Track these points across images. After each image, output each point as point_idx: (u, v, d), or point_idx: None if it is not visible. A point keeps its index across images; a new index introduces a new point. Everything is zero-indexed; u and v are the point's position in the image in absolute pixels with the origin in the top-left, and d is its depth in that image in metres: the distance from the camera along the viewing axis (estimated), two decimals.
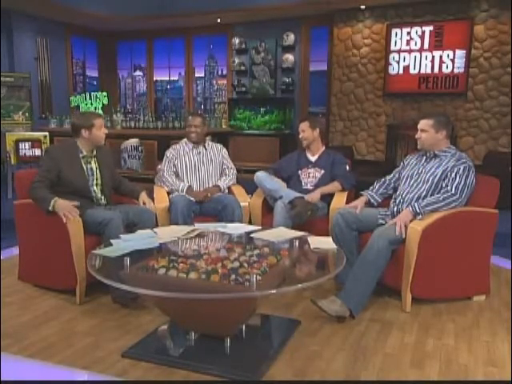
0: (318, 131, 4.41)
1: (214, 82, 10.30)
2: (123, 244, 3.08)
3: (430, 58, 7.73)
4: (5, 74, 8.33)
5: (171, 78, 10.63)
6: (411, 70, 7.89)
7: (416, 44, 7.79)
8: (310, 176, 4.43)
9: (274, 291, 2.49)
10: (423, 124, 3.51)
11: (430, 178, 3.50)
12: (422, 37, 7.72)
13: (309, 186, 4.37)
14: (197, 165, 4.52)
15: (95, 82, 10.68)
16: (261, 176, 4.26)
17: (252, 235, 3.43)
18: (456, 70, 7.57)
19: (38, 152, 7.09)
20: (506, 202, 5.99)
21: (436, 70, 7.72)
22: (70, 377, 2.59)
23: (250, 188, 4.59)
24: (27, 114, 8.41)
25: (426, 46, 7.73)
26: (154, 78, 10.69)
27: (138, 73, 10.90)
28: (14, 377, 2.58)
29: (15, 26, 8.52)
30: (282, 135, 9.37)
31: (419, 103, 7.94)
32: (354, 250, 3.53)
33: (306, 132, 4.36)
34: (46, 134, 7.41)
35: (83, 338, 2.98)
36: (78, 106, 9.19)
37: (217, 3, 8.39)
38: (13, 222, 3.80)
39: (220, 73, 10.18)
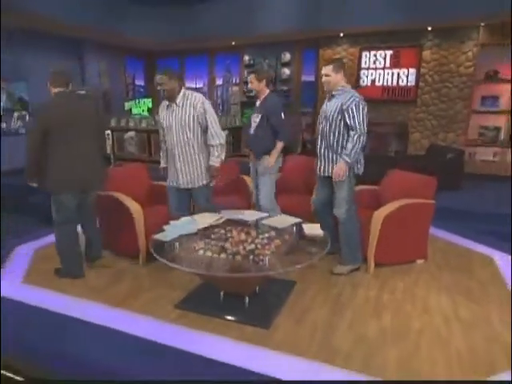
0: (265, 82, 3.67)
1: (230, 88, 10.08)
2: (172, 230, 3.00)
3: (390, 74, 7.59)
4: (79, 88, 8.21)
5: (197, 86, 10.40)
6: (376, 83, 7.75)
7: (380, 63, 7.63)
8: (254, 121, 3.77)
9: (281, 270, 2.52)
10: (325, 70, 3.20)
11: (330, 115, 3.22)
12: (384, 58, 7.56)
13: (252, 131, 3.83)
14: (171, 125, 3.24)
15: (142, 90, 10.54)
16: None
17: (262, 221, 3.24)
18: (409, 84, 7.45)
19: None
20: (443, 183, 6.04)
21: (395, 83, 7.59)
22: (139, 323, 2.66)
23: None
24: None
25: (387, 65, 7.58)
26: (185, 86, 10.53)
27: None
28: (103, 321, 2.67)
29: (85, 51, 8.41)
30: None
31: (382, 107, 7.80)
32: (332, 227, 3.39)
33: (254, 83, 3.66)
34: (109, 131, 7.41)
35: (145, 293, 3.05)
36: (130, 110, 9.16)
37: (232, 31, 8.23)
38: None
39: (234, 81, 9.96)
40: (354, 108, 3.09)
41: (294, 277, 3.20)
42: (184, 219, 3.25)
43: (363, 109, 3.12)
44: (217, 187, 4.13)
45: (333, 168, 3.22)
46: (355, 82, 7.88)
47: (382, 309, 2.83)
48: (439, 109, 7.32)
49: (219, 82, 10.16)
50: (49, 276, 3.29)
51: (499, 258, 3.72)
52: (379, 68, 7.66)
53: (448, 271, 3.44)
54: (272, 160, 3.71)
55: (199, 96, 3.24)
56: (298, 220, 3.20)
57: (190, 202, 3.58)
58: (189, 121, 3.19)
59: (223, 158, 3.35)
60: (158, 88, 3.20)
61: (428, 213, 3.51)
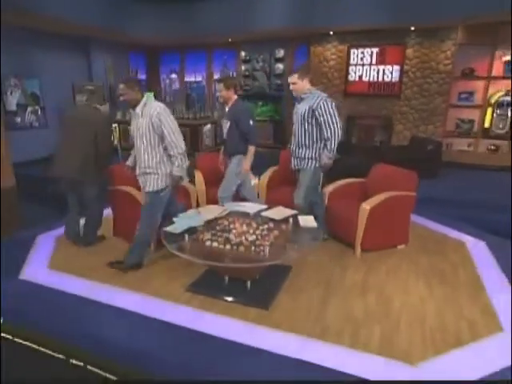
0: (233, 89, 3.63)
1: None
2: (181, 222, 3.02)
3: (376, 70, 7.58)
4: (87, 84, 8.12)
5: (197, 79, 10.31)
6: (363, 78, 7.74)
7: (367, 60, 7.61)
8: (225, 126, 3.77)
9: (279, 261, 2.61)
10: (292, 79, 3.30)
11: (301, 115, 3.35)
12: (371, 55, 7.54)
13: (224, 136, 3.81)
14: (133, 133, 3.08)
15: (144, 83, 10.39)
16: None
17: (262, 213, 3.25)
18: (394, 79, 7.45)
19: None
20: (423, 173, 6.12)
21: (380, 78, 7.58)
22: (153, 305, 2.75)
23: (255, 162, 3.88)
24: None
25: (374, 61, 7.55)
26: (185, 79, 10.40)
27: (174, 75, 10.47)
28: (121, 303, 2.74)
29: (92, 48, 8.27)
30: (274, 121, 9.24)
31: (368, 101, 7.85)
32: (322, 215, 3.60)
33: (223, 91, 3.61)
34: (116, 125, 7.38)
35: (158, 278, 3.10)
36: None
37: (229, 29, 8.14)
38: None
39: (231, 76, 9.88)
40: (323, 105, 3.23)
41: (290, 261, 3.24)
42: (190, 212, 3.31)
43: (331, 104, 3.24)
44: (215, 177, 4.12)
45: (301, 163, 3.46)
46: (344, 78, 7.91)
47: (368, 290, 2.95)
48: (420, 103, 7.38)
49: (217, 76, 10.07)
50: (70, 262, 3.38)
51: (470, 242, 3.86)
52: (366, 64, 7.66)
53: (425, 255, 3.56)
54: (247, 165, 3.71)
55: (157, 106, 2.99)
56: (293, 212, 3.26)
57: None
58: (144, 130, 2.98)
59: (185, 166, 3.13)
60: (120, 98, 3.01)
61: (410, 203, 3.62)
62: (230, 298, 2.80)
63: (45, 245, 3.77)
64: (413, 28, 7.01)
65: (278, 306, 2.73)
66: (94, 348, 2.44)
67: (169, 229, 2.97)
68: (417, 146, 6.72)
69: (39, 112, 7.23)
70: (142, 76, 10.42)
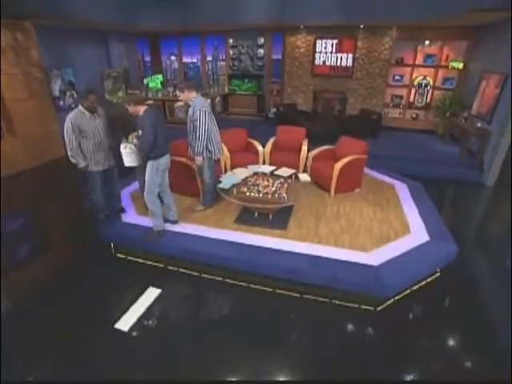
0: (139, 105, 3.08)
1: (218, 63, 10.06)
2: (226, 181, 3.72)
3: (335, 57, 7.97)
4: (112, 70, 8.15)
5: (192, 61, 10.28)
6: (326, 63, 8.10)
7: (329, 49, 7.95)
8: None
9: (292, 203, 3.46)
10: (177, 92, 3.57)
11: (189, 118, 3.51)
12: (332, 45, 7.87)
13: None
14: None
15: (149, 64, 10.33)
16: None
17: (274, 172, 3.94)
18: (348, 64, 7.90)
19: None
20: (369, 135, 7.05)
21: (338, 63, 8.00)
22: (215, 232, 3.47)
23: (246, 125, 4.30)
24: (123, 91, 8.30)
25: (334, 50, 7.92)
26: (183, 61, 10.35)
27: (173, 57, 10.33)
28: (193, 231, 3.44)
29: (109, 39, 8.14)
30: (257, 95, 9.53)
31: (330, 80, 8.31)
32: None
33: (132, 108, 3.07)
34: None
35: (213, 216, 3.75)
36: (147, 84, 9.16)
37: (219, 18, 8.19)
38: None
39: (221, 58, 9.96)
40: (197, 113, 3.41)
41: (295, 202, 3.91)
42: (229, 173, 3.99)
43: (203, 114, 3.37)
44: (235, 147, 4.67)
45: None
46: (311, 62, 8.38)
47: (340, 216, 3.87)
48: (367, 82, 8.04)
49: (209, 58, 10.13)
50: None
51: (397, 184, 4.78)
52: (328, 52, 8.04)
53: (371, 194, 4.45)
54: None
55: None
56: (294, 171, 4.04)
57: None
58: None
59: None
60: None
61: (363, 162, 4.43)
62: (260, 225, 3.60)
63: (127, 198, 4.31)
64: (362, 26, 7.44)
65: (290, 229, 3.60)
66: (184, 257, 3.29)
67: (220, 185, 3.74)
68: (364, 115, 7.55)
69: (75, 96, 7.38)
70: (147, 58, 10.28)
